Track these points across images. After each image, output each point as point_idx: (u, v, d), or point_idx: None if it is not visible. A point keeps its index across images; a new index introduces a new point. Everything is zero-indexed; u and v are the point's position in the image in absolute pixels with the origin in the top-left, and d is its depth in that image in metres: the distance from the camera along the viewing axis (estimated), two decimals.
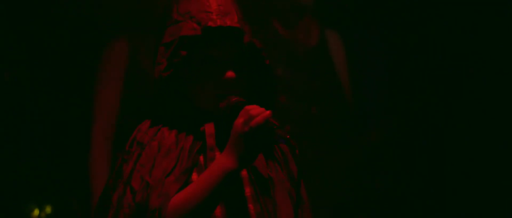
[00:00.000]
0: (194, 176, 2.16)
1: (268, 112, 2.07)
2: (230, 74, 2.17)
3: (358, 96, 4.06)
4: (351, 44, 4.07)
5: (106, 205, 2.17)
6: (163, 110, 2.24)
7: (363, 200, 4.09)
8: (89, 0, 3.92)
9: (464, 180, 4.24)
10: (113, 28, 3.78)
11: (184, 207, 2.08)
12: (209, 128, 2.18)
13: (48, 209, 3.85)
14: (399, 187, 4.27)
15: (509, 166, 4.16)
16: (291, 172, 2.28)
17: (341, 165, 3.97)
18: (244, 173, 2.19)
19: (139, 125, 2.27)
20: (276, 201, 2.19)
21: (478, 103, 4.20)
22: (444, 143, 4.27)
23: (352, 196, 4.03)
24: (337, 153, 3.95)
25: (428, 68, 4.22)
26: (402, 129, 4.07)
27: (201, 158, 2.18)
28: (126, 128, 3.67)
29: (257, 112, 2.07)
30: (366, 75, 4.17)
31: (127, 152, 2.21)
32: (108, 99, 3.62)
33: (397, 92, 4.28)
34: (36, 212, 3.76)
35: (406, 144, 4.26)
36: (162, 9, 2.29)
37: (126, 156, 2.20)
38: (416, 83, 4.23)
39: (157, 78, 2.19)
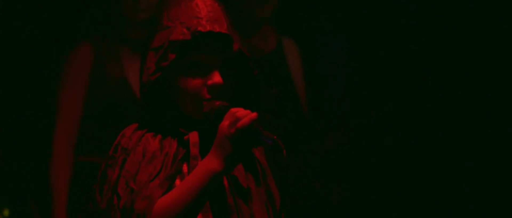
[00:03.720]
0: (178, 183, 2.14)
1: (254, 114, 2.06)
2: (217, 79, 2.16)
3: (314, 103, 4.12)
4: (307, 51, 4.12)
5: (95, 211, 2.16)
6: (148, 116, 2.23)
7: (319, 207, 4.14)
8: (52, 3, 3.94)
9: (421, 187, 4.32)
10: (76, 32, 3.74)
11: (169, 210, 2.07)
12: (193, 137, 2.17)
13: (6, 212, 3.84)
14: (355, 193, 4.34)
15: (464, 172, 4.27)
16: (269, 186, 2.29)
17: (296, 172, 4.01)
18: (225, 183, 2.18)
19: (123, 130, 2.25)
20: (253, 213, 2.20)
21: (436, 108, 4.28)
22: (401, 149, 4.34)
23: (307, 204, 4.08)
24: (292, 160, 3.99)
25: (385, 75, 4.29)
26: (359, 135, 4.14)
27: (185, 166, 2.17)
28: (89, 132, 3.72)
29: (243, 114, 2.06)
30: (322, 82, 4.23)
31: (111, 157, 2.19)
32: (71, 103, 3.56)
33: (353, 99, 4.36)
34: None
35: (363, 151, 4.33)
36: (149, 14, 2.32)
37: (111, 161, 2.18)
38: (372, 89, 4.30)
39: (145, 82, 2.18)
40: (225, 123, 2.08)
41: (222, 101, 2.17)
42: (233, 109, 2.10)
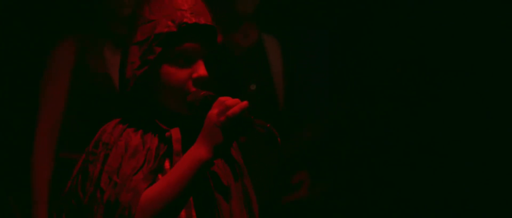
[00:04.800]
0: (160, 178, 2.13)
1: (244, 102, 2.07)
2: (202, 72, 2.17)
3: (292, 99, 4.12)
4: (288, 46, 4.14)
5: (78, 208, 2.15)
6: (128, 110, 2.22)
7: (299, 201, 4.14)
8: None
9: (399, 180, 4.34)
10: (60, 27, 3.71)
11: (156, 201, 2.07)
12: (175, 134, 2.17)
13: None
14: (335, 187, 4.35)
15: (441, 167, 4.29)
16: (245, 185, 2.30)
17: (274, 166, 4.01)
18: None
19: (104, 126, 2.24)
20: (232, 210, 2.21)
21: (415, 104, 4.30)
22: (380, 143, 4.36)
23: (284, 197, 4.09)
24: (270, 154, 3.99)
25: (364, 71, 4.31)
26: (338, 130, 4.15)
27: (166, 162, 2.17)
28: (71, 128, 3.71)
29: (233, 102, 2.07)
30: (302, 78, 4.24)
31: (92, 153, 2.18)
32: (54, 99, 3.54)
33: (332, 94, 4.37)
34: None
35: (341, 145, 4.34)
36: (132, 9, 2.30)
37: (92, 157, 2.17)
38: (351, 84, 4.32)
39: (131, 77, 2.17)
40: (214, 111, 2.08)
41: (207, 91, 2.17)
42: (222, 98, 2.10)
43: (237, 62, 2.15)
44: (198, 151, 2.08)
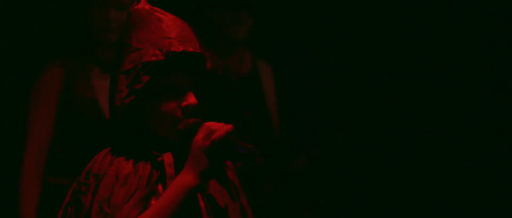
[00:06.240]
0: (153, 203, 2.12)
1: (229, 126, 2.06)
2: (192, 100, 2.16)
3: (286, 124, 4.14)
4: (282, 73, 4.16)
5: None
6: (119, 139, 2.20)
7: None
8: (23, 23, 3.93)
9: (396, 203, 4.35)
10: (47, 52, 3.71)
11: None
12: (167, 158, 2.16)
13: None
14: (329, 212, 4.36)
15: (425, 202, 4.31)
16: (243, 206, 2.28)
17: (267, 193, 4.02)
18: (201, 203, 2.17)
19: (95, 157, 2.22)
20: None
21: (407, 129, 4.32)
22: (374, 169, 4.38)
23: None
24: (263, 181, 4.00)
25: (358, 96, 4.33)
26: (331, 154, 4.17)
27: (160, 187, 2.15)
28: (58, 153, 3.70)
29: (217, 127, 2.06)
30: (295, 104, 4.25)
31: (84, 184, 2.16)
32: (41, 124, 3.53)
33: (325, 119, 4.39)
34: None
35: (333, 171, 4.36)
36: (119, 35, 2.29)
37: (84, 188, 2.15)
38: (344, 109, 4.33)
39: (119, 106, 2.14)
40: (199, 136, 2.08)
41: (196, 118, 2.15)
42: (207, 123, 2.09)
43: (231, 88, 2.15)
44: (185, 177, 2.08)
